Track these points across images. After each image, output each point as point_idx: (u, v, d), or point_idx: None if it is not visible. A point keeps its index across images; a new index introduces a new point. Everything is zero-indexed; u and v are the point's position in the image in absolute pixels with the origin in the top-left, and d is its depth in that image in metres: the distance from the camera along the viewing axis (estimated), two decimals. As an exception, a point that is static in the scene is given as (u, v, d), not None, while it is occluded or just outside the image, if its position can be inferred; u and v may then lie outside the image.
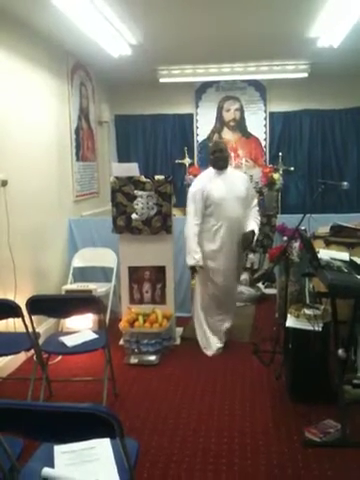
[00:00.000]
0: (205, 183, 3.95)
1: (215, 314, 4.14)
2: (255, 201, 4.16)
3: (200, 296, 4.15)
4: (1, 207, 3.68)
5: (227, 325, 4.19)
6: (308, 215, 3.53)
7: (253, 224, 4.02)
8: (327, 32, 4.38)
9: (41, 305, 2.97)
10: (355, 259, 3.17)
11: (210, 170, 4.04)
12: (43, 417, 1.67)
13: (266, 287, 5.84)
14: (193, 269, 4.10)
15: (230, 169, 4.16)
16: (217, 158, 3.96)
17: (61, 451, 1.92)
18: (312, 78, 5.97)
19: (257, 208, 4.14)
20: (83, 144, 5.61)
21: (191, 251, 3.90)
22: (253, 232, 3.98)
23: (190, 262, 3.92)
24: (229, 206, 3.91)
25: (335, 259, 2.98)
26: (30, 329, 2.99)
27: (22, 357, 3.81)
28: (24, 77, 4.15)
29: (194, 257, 3.88)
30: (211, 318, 4.14)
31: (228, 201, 3.91)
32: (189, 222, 3.94)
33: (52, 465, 1.85)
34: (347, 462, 2.55)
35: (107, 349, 3.14)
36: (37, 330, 3.15)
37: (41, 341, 3.21)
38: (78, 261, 4.83)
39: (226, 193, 3.92)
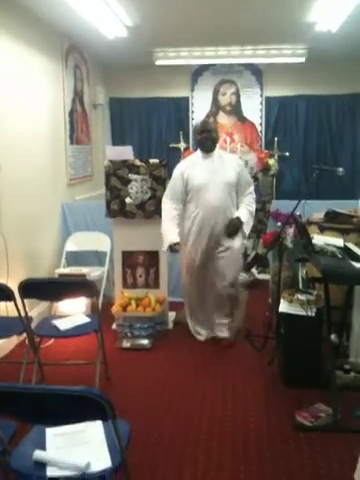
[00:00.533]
0: (187, 166, 3.75)
1: (199, 310, 4.01)
2: (250, 188, 3.86)
3: (183, 283, 4.05)
4: (-6, 189, 3.65)
5: (223, 334, 3.94)
6: (303, 201, 3.53)
7: (243, 211, 3.75)
8: (325, 16, 4.32)
9: (34, 289, 2.95)
10: (349, 245, 3.17)
11: (197, 153, 3.84)
12: (35, 400, 1.67)
13: (259, 272, 5.85)
14: (173, 250, 3.75)
15: (220, 152, 3.89)
16: (204, 139, 3.70)
17: (53, 434, 1.92)
18: (309, 63, 5.91)
19: (253, 196, 3.86)
20: (77, 127, 5.55)
21: (165, 233, 3.72)
22: (239, 219, 3.72)
23: (164, 246, 3.74)
24: (211, 192, 3.65)
25: (329, 245, 2.98)
26: (22, 313, 2.98)
27: (14, 341, 3.82)
28: (17, 59, 4.08)
29: (167, 239, 3.70)
30: (196, 312, 4.03)
31: (210, 187, 3.65)
32: (166, 205, 3.76)
33: (44, 448, 1.85)
34: (337, 446, 2.57)
35: (100, 333, 3.13)
36: (30, 314, 3.14)
37: (34, 325, 3.21)
38: (71, 245, 4.81)
39: (209, 178, 3.66)
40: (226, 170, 3.71)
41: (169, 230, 3.71)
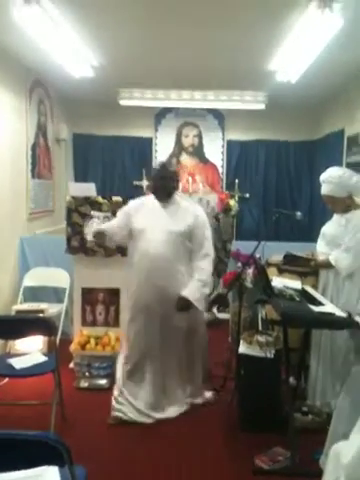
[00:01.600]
0: (137, 205, 3.37)
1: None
2: (206, 248, 3.26)
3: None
4: None
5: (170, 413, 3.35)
6: (263, 242, 3.60)
7: (191, 287, 3.17)
8: (286, 67, 4.54)
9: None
10: (307, 288, 3.24)
11: (152, 197, 3.38)
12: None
13: (220, 312, 5.87)
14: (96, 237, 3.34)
15: (180, 199, 3.38)
16: (158, 187, 3.27)
17: (6, 479, 1.83)
18: (269, 110, 6.14)
19: (209, 258, 3.29)
20: (39, 161, 5.53)
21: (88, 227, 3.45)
22: (185, 300, 3.15)
23: (88, 236, 3.43)
24: (151, 240, 3.16)
25: (288, 287, 3.03)
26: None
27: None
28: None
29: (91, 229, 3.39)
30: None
31: (151, 233, 3.17)
32: (108, 225, 3.41)
33: (-5, 495, 1.76)
34: (295, 490, 2.56)
35: (57, 372, 3.05)
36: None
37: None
38: (29, 280, 4.71)
39: (151, 224, 3.21)
40: (177, 218, 3.23)
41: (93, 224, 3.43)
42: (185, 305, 3.17)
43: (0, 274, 4.51)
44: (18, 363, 3.02)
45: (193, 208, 3.36)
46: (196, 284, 3.20)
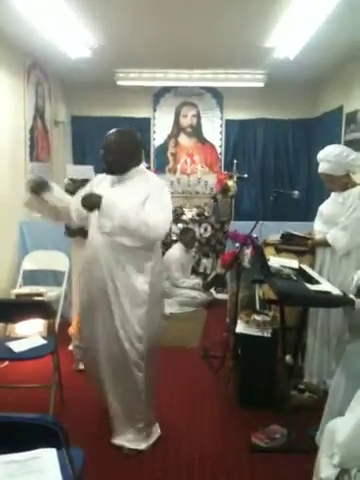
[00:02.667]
0: (97, 182, 2.87)
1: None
2: (152, 208, 2.57)
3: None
4: None
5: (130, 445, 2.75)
6: (260, 222, 3.61)
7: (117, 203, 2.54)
8: (284, 43, 4.49)
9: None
10: (304, 267, 3.25)
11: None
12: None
13: (218, 292, 5.91)
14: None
15: (140, 175, 2.73)
16: (103, 158, 2.69)
17: (4, 461, 1.87)
18: (268, 88, 6.08)
19: (155, 211, 2.57)
20: (38, 144, 5.51)
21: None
22: (97, 196, 2.52)
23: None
24: (95, 225, 2.65)
25: (285, 267, 3.05)
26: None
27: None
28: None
29: None
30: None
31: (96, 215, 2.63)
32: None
33: (-5, 476, 1.80)
34: (291, 467, 2.61)
35: (55, 355, 3.08)
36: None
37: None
38: (28, 264, 4.73)
39: None
40: (127, 196, 2.61)
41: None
42: (92, 201, 2.54)
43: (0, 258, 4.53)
44: (17, 346, 3.04)
45: (151, 179, 2.76)
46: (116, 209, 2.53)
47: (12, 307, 3.06)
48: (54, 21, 3.77)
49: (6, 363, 3.70)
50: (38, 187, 2.74)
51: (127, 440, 2.74)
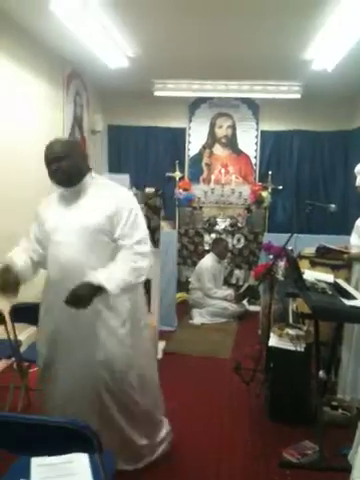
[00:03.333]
0: (48, 203, 2.53)
1: None
2: (136, 236, 2.32)
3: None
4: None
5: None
6: (295, 235, 3.58)
7: (104, 272, 2.20)
8: (322, 55, 4.46)
9: (25, 313, 2.94)
10: (339, 281, 3.20)
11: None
12: (21, 429, 1.66)
13: (250, 304, 5.88)
14: None
15: (101, 184, 2.46)
16: (53, 173, 2.37)
17: (38, 464, 1.90)
18: (305, 99, 6.05)
19: (137, 250, 2.29)
20: (75, 153, 5.60)
21: None
22: (90, 285, 2.14)
23: None
24: (61, 243, 2.34)
25: (320, 281, 3.01)
26: (12, 336, 2.96)
27: (2, 364, 3.77)
28: (19, 83, 4.16)
29: None
30: None
31: (59, 233, 2.35)
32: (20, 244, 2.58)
33: (29, 478, 1.82)
34: (323, 484, 2.56)
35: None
36: (19, 338, 3.12)
37: (22, 349, 3.18)
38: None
39: (58, 221, 2.38)
40: (91, 209, 2.35)
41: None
42: (86, 294, 2.15)
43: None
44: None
45: (114, 190, 2.44)
46: (114, 266, 2.27)
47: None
48: (94, 31, 3.86)
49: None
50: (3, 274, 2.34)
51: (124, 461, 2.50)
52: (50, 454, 1.83)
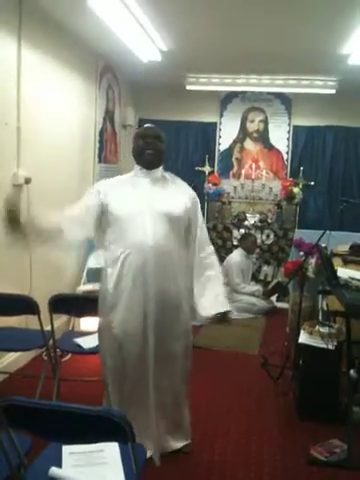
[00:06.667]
0: (112, 186, 2.55)
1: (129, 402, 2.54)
2: (210, 244, 2.65)
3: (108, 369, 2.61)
4: (23, 204, 3.71)
5: (170, 443, 2.67)
6: (327, 232, 3.53)
7: (221, 297, 2.55)
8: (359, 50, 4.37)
9: (62, 304, 2.99)
10: (373, 280, 3.14)
11: (133, 172, 2.59)
12: (55, 417, 1.68)
13: (278, 301, 5.83)
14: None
15: (168, 174, 2.62)
16: (146, 146, 2.47)
17: (69, 451, 1.93)
18: (339, 94, 5.94)
19: (214, 254, 2.64)
20: (106, 146, 5.65)
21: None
22: (225, 314, 2.56)
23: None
24: (145, 226, 2.40)
25: (353, 279, 2.96)
26: (48, 327, 3.02)
27: (31, 354, 3.82)
28: (54, 77, 4.21)
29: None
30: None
31: (143, 218, 2.41)
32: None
33: (60, 465, 1.86)
34: (352, 484, 2.53)
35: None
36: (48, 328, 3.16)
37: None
38: (93, 262, 4.85)
39: (142, 205, 2.44)
40: (171, 196, 2.51)
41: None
42: (226, 319, 2.60)
43: (67, 256, 4.67)
44: (85, 343, 3.13)
45: (184, 185, 2.63)
46: (221, 288, 2.58)
47: (79, 302, 3.15)
48: (129, 24, 3.86)
49: (69, 356, 3.79)
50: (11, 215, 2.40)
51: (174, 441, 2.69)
52: (82, 442, 1.86)
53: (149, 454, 2.45)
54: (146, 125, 2.64)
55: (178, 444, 2.69)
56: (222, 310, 2.53)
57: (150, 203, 2.44)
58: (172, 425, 2.64)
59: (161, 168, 2.56)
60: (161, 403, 2.53)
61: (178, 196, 2.52)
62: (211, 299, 2.53)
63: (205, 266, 2.58)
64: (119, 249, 2.42)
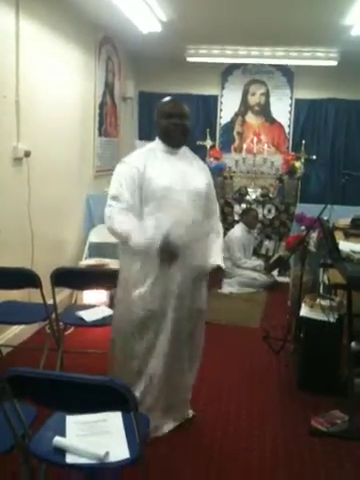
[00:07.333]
0: (147, 159, 2.46)
1: (166, 389, 2.59)
2: (217, 206, 2.77)
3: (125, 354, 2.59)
4: (23, 177, 3.69)
5: (191, 412, 2.82)
6: (329, 206, 3.51)
7: (217, 253, 2.61)
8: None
9: (65, 277, 3.00)
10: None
11: (156, 145, 2.55)
12: (58, 387, 1.70)
13: (279, 275, 5.84)
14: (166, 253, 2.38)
15: (186, 150, 2.61)
16: (173, 126, 2.45)
17: (73, 421, 1.95)
18: (341, 67, 5.85)
19: (219, 219, 2.79)
20: (106, 119, 5.58)
21: (138, 234, 2.39)
22: (220, 269, 2.62)
23: (155, 243, 2.36)
24: (182, 203, 2.43)
25: (355, 252, 2.95)
26: (51, 301, 3.03)
27: (34, 327, 3.85)
28: (52, 49, 4.13)
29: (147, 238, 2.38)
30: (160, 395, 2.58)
31: (180, 194, 2.43)
32: (113, 209, 2.48)
33: (63, 434, 1.88)
34: (352, 454, 2.56)
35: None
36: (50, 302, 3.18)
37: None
38: (94, 237, 4.84)
39: (177, 182, 2.44)
40: (196, 175, 2.56)
41: (140, 228, 2.42)
42: (219, 275, 2.80)
43: (68, 230, 4.67)
44: (87, 316, 3.12)
45: (201, 163, 2.71)
46: (218, 249, 2.64)
47: (81, 275, 3.16)
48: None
49: (72, 329, 3.82)
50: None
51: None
52: (86, 412, 1.88)
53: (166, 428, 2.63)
54: (168, 100, 2.59)
55: (187, 413, 2.79)
56: (222, 265, 2.62)
57: (184, 180, 2.47)
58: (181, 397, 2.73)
59: (184, 146, 2.59)
60: (176, 369, 2.60)
61: (201, 172, 2.60)
62: (214, 253, 2.61)
63: (212, 230, 2.68)
64: (156, 227, 2.39)
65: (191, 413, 2.81)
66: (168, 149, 2.51)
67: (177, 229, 2.40)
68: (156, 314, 2.48)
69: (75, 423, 1.95)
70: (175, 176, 2.45)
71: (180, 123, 2.46)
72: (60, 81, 4.32)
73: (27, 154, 3.68)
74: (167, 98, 2.60)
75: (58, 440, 1.83)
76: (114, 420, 1.95)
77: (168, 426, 2.66)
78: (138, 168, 2.42)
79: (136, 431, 1.74)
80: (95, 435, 1.89)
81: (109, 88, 5.64)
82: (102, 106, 5.40)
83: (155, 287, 2.45)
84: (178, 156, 2.53)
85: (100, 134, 5.38)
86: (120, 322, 2.58)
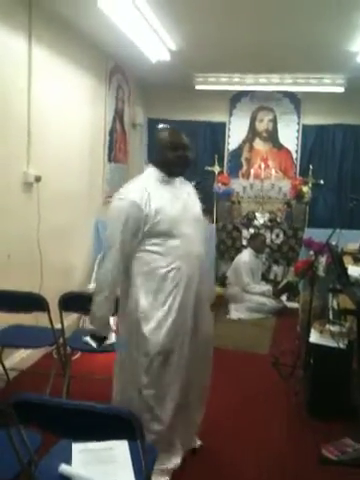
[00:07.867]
0: (148, 190, 2.32)
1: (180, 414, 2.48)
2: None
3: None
4: (33, 202, 3.74)
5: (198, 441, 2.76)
6: (337, 230, 3.50)
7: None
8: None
9: (73, 302, 3.00)
10: (384, 278, 3.12)
11: (151, 175, 2.42)
12: (64, 413, 1.68)
13: (288, 300, 5.80)
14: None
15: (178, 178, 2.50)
16: (178, 159, 2.40)
17: (79, 449, 1.93)
18: (348, 93, 5.90)
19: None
20: (116, 146, 5.66)
21: (102, 319, 2.52)
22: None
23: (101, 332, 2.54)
24: (190, 234, 2.38)
25: (364, 277, 2.94)
26: (58, 325, 3.03)
27: (41, 351, 3.84)
28: (64, 77, 4.23)
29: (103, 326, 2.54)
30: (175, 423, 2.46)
31: (185, 224, 2.37)
32: (111, 260, 2.35)
33: (69, 462, 1.86)
34: (364, 484, 2.51)
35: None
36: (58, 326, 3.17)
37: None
38: (103, 261, 4.85)
39: (180, 212, 2.37)
40: (193, 200, 2.53)
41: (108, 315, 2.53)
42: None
43: (77, 255, 4.69)
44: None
45: (189, 184, 2.59)
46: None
47: (89, 300, 3.13)
48: (138, 24, 3.86)
49: (79, 354, 3.80)
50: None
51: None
52: (93, 439, 1.86)
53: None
54: (170, 129, 2.58)
55: (196, 442, 2.73)
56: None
57: (186, 210, 2.40)
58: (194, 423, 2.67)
59: None
60: (191, 401, 2.56)
61: (194, 198, 2.55)
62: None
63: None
64: (164, 260, 2.32)
65: (199, 443, 2.74)
66: (165, 178, 2.41)
67: (187, 263, 2.34)
68: (171, 354, 2.37)
69: (81, 451, 1.93)
70: (177, 207, 2.37)
71: (185, 155, 2.43)
72: (71, 108, 4.41)
73: (37, 179, 3.73)
74: (165, 126, 2.65)
75: (64, 468, 1.81)
76: (121, 449, 1.93)
77: (176, 459, 2.50)
78: (139, 205, 2.27)
79: (143, 460, 1.71)
80: (101, 464, 1.87)
81: (119, 115, 5.73)
82: (112, 132, 5.48)
83: (171, 322, 2.34)
84: (175, 184, 2.45)
85: (109, 160, 5.44)
86: (123, 370, 2.51)
